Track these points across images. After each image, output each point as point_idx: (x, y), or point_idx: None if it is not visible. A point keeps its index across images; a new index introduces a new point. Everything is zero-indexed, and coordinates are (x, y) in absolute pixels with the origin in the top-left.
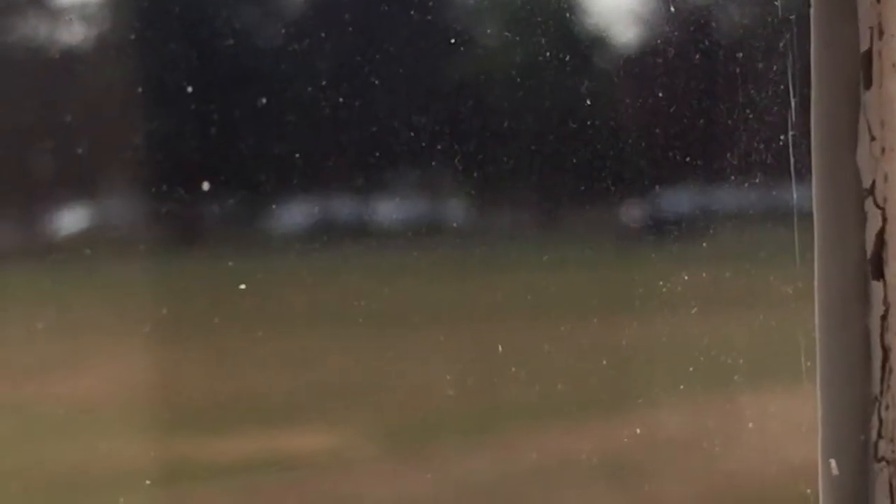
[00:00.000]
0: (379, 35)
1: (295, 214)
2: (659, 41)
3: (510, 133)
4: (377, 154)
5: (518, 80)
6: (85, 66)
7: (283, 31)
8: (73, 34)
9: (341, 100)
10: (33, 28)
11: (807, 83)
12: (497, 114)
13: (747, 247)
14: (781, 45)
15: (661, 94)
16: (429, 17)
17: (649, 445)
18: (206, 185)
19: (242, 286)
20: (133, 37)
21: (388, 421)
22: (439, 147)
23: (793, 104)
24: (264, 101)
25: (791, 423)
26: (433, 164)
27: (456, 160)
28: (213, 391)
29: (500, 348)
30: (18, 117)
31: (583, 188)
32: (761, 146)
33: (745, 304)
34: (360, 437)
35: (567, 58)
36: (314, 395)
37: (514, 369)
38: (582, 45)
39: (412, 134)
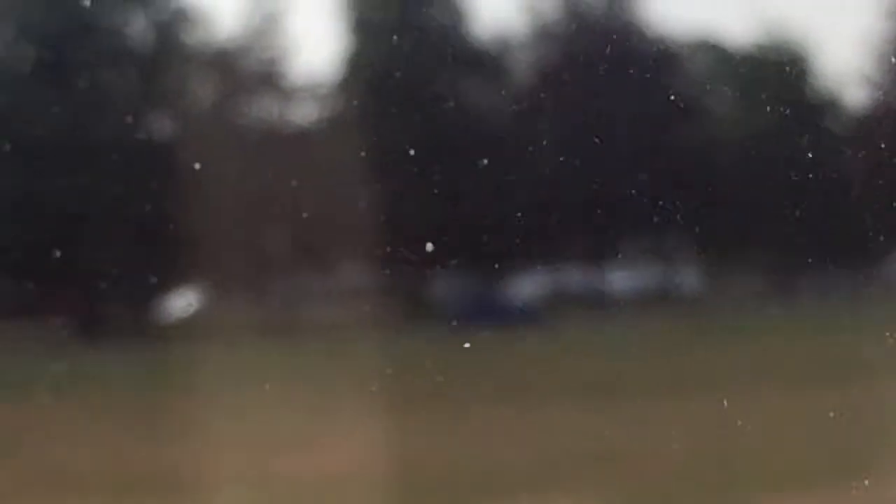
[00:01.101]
0: (605, 100)
1: (526, 284)
2: (881, 96)
3: (739, 197)
4: (606, 225)
5: (745, 142)
6: (317, 139)
7: (507, 94)
8: (305, 110)
9: (568, 166)
10: (267, 106)
11: None
12: (726, 178)
13: None
14: None
15: (882, 146)
16: (657, 80)
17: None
18: (438, 261)
19: (467, 344)
20: (361, 109)
21: (627, 489)
22: (668, 213)
23: None
24: (486, 161)
25: None
26: (662, 230)
27: (685, 227)
28: (453, 463)
29: (735, 416)
30: (255, 189)
31: (803, 242)
32: None
33: None
34: None
35: (789, 114)
36: (554, 464)
37: (751, 435)
38: (805, 103)
39: (640, 200)
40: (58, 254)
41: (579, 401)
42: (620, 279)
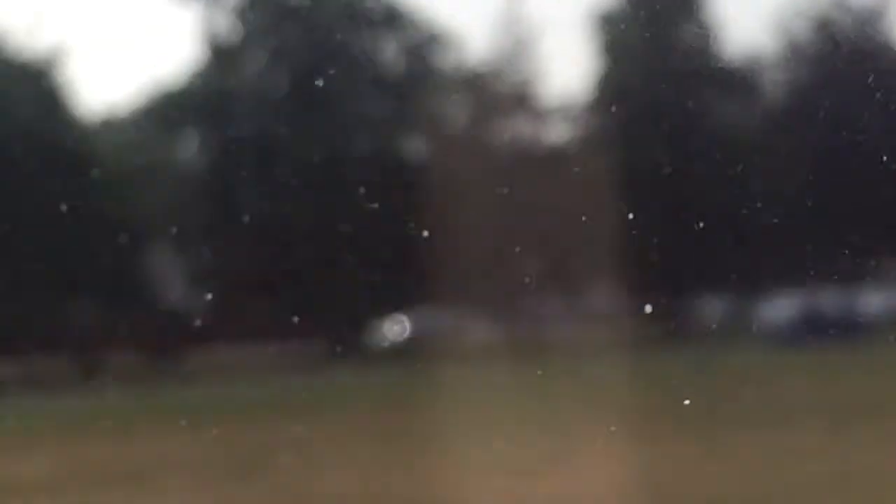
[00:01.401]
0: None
1: (780, 313)
2: None
3: None
4: (860, 245)
5: None
6: (569, 160)
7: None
8: (557, 131)
9: (820, 186)
10: (520, 127)
11: None
12: None
13: None
14: None
15: None
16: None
17: None
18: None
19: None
20: (612, 130)
21: None
22: None
23: None
24: (738, 182)
25: None
26: None
27: None
28: (702, 488)
29: None
30: (507, 209)
31: None
32: None
33: None
34: None
35: None
36: (807, 491)
37: None
38: None
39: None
40: (310, 277)
41: (831, 426)
42: (876, 301)
